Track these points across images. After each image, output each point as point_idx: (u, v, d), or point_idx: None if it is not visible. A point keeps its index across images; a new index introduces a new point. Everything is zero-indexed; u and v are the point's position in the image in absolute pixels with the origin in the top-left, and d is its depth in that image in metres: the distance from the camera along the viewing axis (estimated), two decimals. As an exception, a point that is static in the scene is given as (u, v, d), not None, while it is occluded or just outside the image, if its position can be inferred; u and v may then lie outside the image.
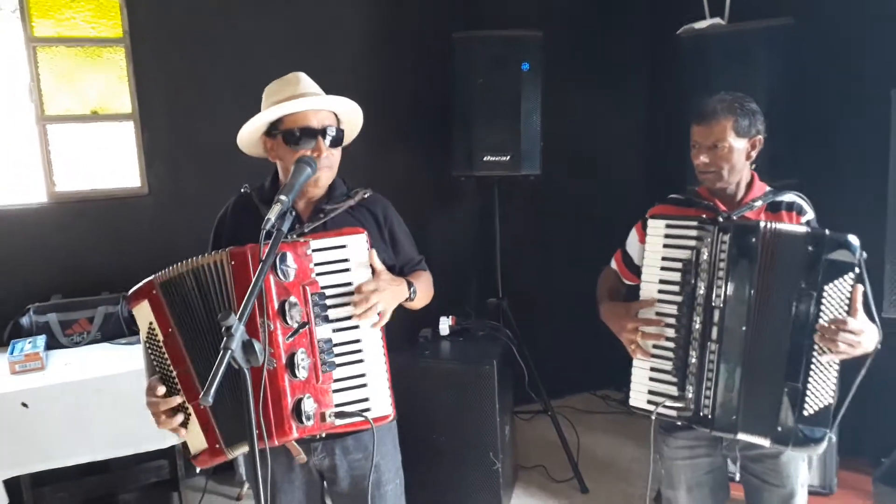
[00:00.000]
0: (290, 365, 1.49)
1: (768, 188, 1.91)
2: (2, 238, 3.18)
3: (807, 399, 1.66)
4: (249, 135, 1.75)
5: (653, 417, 1.81)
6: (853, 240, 1.63)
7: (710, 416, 1.73)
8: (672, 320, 1.79)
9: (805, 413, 1.66)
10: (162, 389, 1.58)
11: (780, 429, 1.68)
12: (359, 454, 1.75)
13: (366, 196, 1.83)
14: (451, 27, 3.51)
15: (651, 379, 1.83)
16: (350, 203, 1.79)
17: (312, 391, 1.52)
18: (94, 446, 2.68)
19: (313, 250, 1.60)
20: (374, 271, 1.66)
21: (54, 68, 3.29)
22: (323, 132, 1.70)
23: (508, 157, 3.39)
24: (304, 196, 1.77)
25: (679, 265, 1.78)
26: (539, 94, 3.40)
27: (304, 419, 1.49)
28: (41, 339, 2.90)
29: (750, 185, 1.90)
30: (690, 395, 1.75)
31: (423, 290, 1.83)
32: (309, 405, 1.50)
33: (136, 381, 2.69)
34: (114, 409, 2.68)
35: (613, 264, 2.14)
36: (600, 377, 4.30)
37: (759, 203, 1.84)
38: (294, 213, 1.72)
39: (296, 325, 1.51)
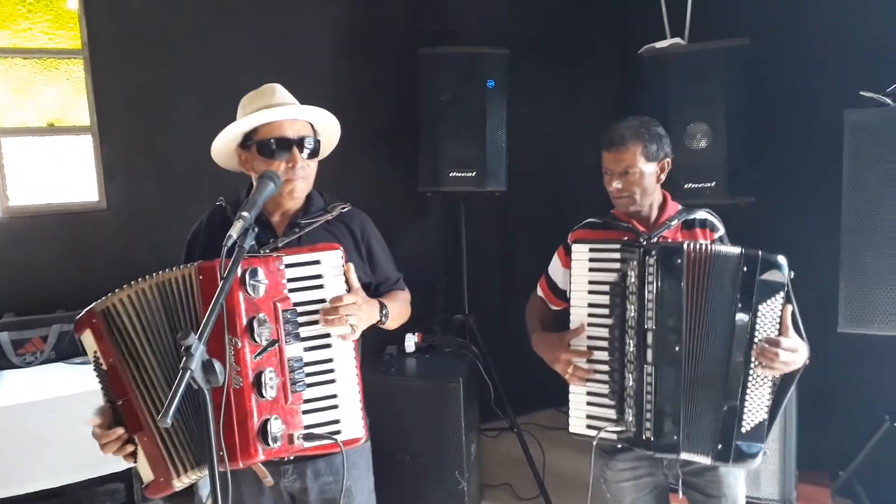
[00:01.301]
0: (258, 384, 1.44)
1: (680, 207, 1.96)
2: (-49, 254, 3.08)
3: (744, 416, 1.69)
4: (223, 146, 1.71)
5: (594, 443, 1.81)
6: (783, 260, 1.68)
7: (651, 439, 1.74)
8: (605, 343, 1.80)
9: (743, 430, 1.69)
10: (101, 420, 1.54)
11: (720, 446, 1.70)
12: (330, 477, 1.71)
13: (344, 210, 1.80)
14: (417, 43, 3.52)
15: (588, 403, 1.83)
16: (327, 217, 1.75)
17: (280, 412, 1.48)
18: (48, 472, 2.60)
19: (286, 265, 1.55)
20: (350, 287, 1.62)
21: (10, 80, 3.21)
22: (299, 143, 1.66)
23: (474, 173, 3.41)
24: (280, 209, 1.74)
25: (606, 288, 1.80)
26: (505, 110, 3.43)
27: (270, 441, 1.44)
28: (-9, 359, 2.81)
29: (663, 206, 1.96)
30: (630, 419, 1.75)
31: (396, 312, 1.80)
32: (276, 426, 1.45)
33: (92, 402, 2.61)
34: (69, 431, 2.59)
35: (539, 291, 2.17)
36: (565, 393, 4.28)
37: (674, 222, 1.89)
38: (267, 228, 1.70)
39: (264, 343, 1.47)
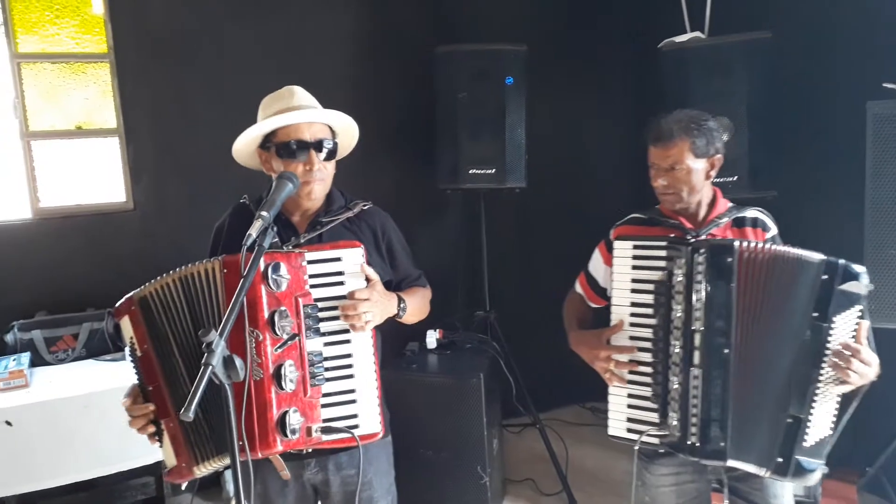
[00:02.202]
0: (277, 376, 1.47)
1: (730, 204, 1.89)
2: (-14, 254, 3.16)
3: (808, 430, 1.60)
4: (244, 147, 1.75)
5: (635, 448, 1.74)
6: (864, 272, 1.60)
7: (697, 444, 1.65)
8: (648, 344, 1.73)
9: (805, 444, 1.61)
10: (132, 399, 1.60)
11: (779, 459, 1.62)
12: (352, 469, 1.73)
13: (364, 208, 1.82)
14: (435, 41, 3.54)
15: (630, 406, 1.76)
16: (348, 215, 1.78)
17: (299, 404, 1.51)
18: (80, 465, 2.67)
19: (308, 262, 1.58)
20: (368, 281, 1.64)
21: (39, 84, 3.29)
22: (317, 145, 1.69)
23: (493, 170, 3.41)
24: (299, 209, 1.77)
25: (650, 286, 1.72)
26: (523, 107, 3.42)
27: (289, 432, 1.47)
28: (25, 357, 2.88)
29: (713, 203, 1.88)
30: (675, 423, 1.68)
31: (415, 307, 1.82)
32: (295, 418, 1.48)
33: (121, 397, 2.68)
34: (99, 426, 2.66)
35: (578, 287, 2.11)
36: (589, 389, 4.25)
37: (724, 220, 1.82)
38: (289, 227, 1.74)
39: (285, 336, 1.49)
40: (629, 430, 1.77)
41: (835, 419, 1.62)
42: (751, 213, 1.87)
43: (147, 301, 1.58)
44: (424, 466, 2.96)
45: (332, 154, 1.75)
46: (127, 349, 1.64)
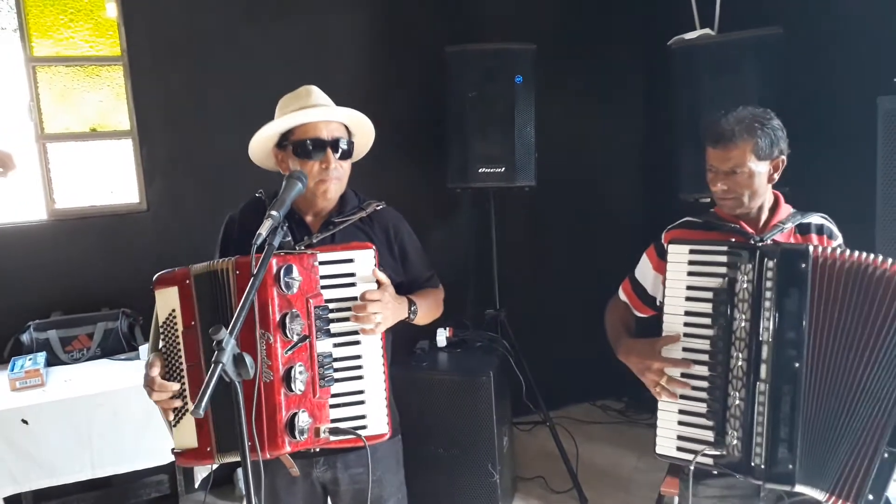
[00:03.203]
0: (287, 379, 1.48)
1: (792, 209, 1.79)
2: (2, 255, 3.20)
3: None
4: (260, 145, 1.76)
5: (690, 468, 1.61)
6: None
7: (762, 466, 1.53)
8: (704, 357, 1.61)
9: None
10: (159, 367, 1.57)
11: (870, 497, 1.46)
12: (360, 468, 1.74)
13: (378, 208, 1.82)
14: (445, 40, 3.55)
15: (681, 423, 1.64)
16: (360, 215, 1.78)
17: (308, 405, 1.51)
18: (95, 462, 2.70)
19: (320, 262, 1.58)
20: (379, 284, 1.65)
21: (53, 87, 3.33)
22: (333, 144, 1.70)
23: (503, 169, 3.42)
24: (313, 208, 1.77)
25: (709, 294, 1.60)
26: (533, 106, 3.43)
27: (297, 434, 1.48)
28: (41, 356, 2.92)
29: (774, 207, 1.78)
30: (736, 441, 1.56)
31: (426, 309, 1.81)
32: (303, 420, 1.49)
33: (135, 396, 2.72)
34: (114, 424, 2.70)
35: (622, 295, 1.98)
36: (599, 387, 4.30)
37: (788, 226, 1.71)
38: (302, 226, 1.75)
39: (296, 339, 1.50)
40: (679, 449, 1.66)
41: None
42: (815, 219, 1.76)
43: (204, 278, 1.57)
44: (435, 464, 2.98)
45: (347, 153, 1.75)
46: (161, 318, 1.60)
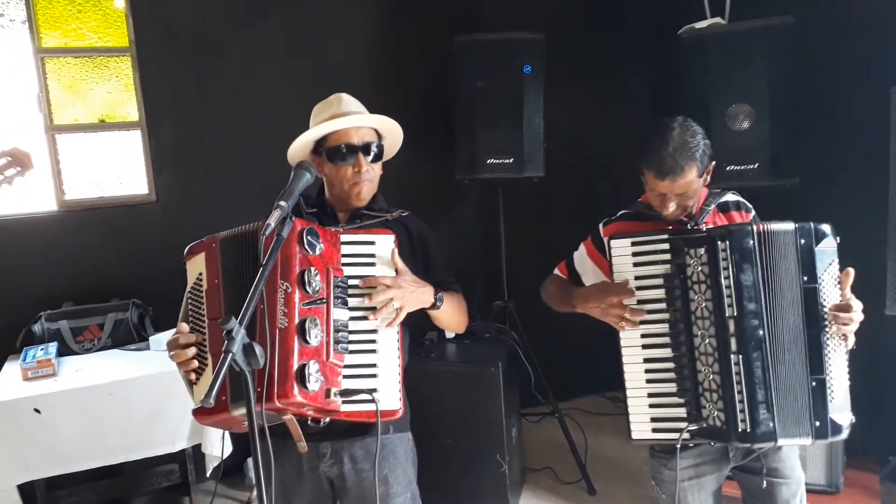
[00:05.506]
0: (302, 329, 1.48)
1: (707, 191, 1.90)
2: (13, 246, 3.22)
3: (832, 387, 1.68)
4: (298, 153, 1.83)
5: (677, 445, 1.73)
6: (829, 228, 1.71)
7: (748, 430, 1.65)
8: (665, 339, 1.74)
9: (833, 402, 1.67)
10: (187, 328, 1.61)
11: (818, 423, 1.67)
12: (367, 464, 1.74)
13: (403, 214, 1.88)
14: (452, 30, 3.53)
15: (652, 406, 1.76)
16: (387, 216, 1.84)
17: (321, 363, 1.50)
18: (106, 451, 2.72)
19: (343, 242, 1.64)
20: (397, 272, 1.67)
21: (62, 79, 3.34)
22: (364, 148, 1.78)
23: (511, 160, 3.41)
24: (346, 207, 1.84)
25: (659, 281, 1.74)
26: (541, 96, 3.41)
27: (307, 383, 1.45)
28: (53, 346, 2.94)
29: None
30: (715, 413, 1.68)
31: (451, 306, 1.81)
32: (314, 369, 1.47)
33: (146, 386, 2.75)
34: (125, 414, 2.72)
35: (559, 273, 2.12)
36: (608, 379, 4.21)
37: (711, 207, 1.86)
38: (332, 217, 1.82)
39: (314, 296, 1.53)
40: (654, 430, 1.76)
41: (848, 368, 1.70)
42: (731, 197, 1.92)
43: (227, 242, 1.63)
44: (443, 454, 2.99)
45: (378, 156, 1.83)
46: (189, 285, 1.66)
